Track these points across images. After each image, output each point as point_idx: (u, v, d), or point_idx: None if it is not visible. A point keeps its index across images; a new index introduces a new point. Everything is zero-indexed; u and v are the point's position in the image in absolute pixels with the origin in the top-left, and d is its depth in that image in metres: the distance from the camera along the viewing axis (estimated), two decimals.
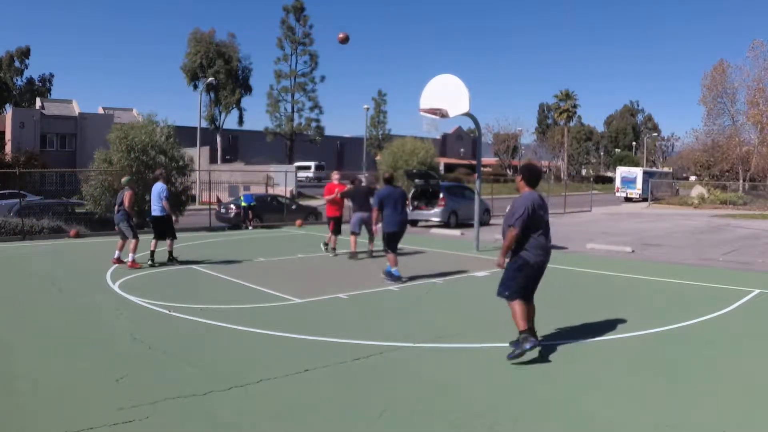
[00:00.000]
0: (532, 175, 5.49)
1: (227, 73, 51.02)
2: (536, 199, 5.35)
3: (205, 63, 50.64)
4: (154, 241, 10.66)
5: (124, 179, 11.11)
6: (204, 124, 45.86)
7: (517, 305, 5.26)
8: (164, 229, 10.72)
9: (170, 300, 7.60)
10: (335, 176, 13.01)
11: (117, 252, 10.71)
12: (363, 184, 12.36)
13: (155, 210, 10.66)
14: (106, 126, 27.16)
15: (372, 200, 9.41)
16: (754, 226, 21.70)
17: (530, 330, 5.26)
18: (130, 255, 10.27)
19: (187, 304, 7.34)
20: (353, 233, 11.83)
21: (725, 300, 8.05)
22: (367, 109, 51.60)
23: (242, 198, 19.81)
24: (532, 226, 5.27)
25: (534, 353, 5.28)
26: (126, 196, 10.49)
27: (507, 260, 5.38)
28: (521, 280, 5.31)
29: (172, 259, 10.76)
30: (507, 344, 5.36)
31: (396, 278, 9.12)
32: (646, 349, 5.71)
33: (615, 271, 10.66)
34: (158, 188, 10.63)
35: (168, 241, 10.77)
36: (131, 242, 10.43)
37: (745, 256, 12.95)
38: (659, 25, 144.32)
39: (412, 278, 9.30)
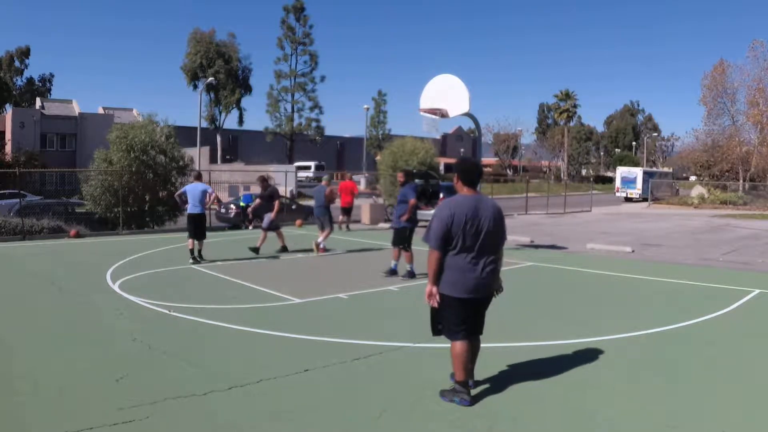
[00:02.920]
0: (466, 172, 4.23)
1: (227, 73, 51.04)
2: (468, 204, 4.11)
3: (205, 63, 50.67)
4: (191, 240, 10.94)
5: (326, 176, 13.26)
6: (204, 124, 45.89)
7: (458, 346, 4.18)
8: (199, 227, 11.00)
9: (170, 300, 7.60)
10: (348, 175, 14.72)
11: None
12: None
13: (193, 208, 11.02)
14: (106, 126, 27.14)
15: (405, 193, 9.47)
16: (754, 226, 21.70)
17: (466, 384, 4.24)
18: (321, 239, 12.11)
19: (187, 304, 7.34)
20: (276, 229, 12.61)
21: (725, 300, 8.05)
22: (367, 109, 51.62)
23: (242, 198, 19.81)
24: (460, 245, 4.07)
25: (534, 353, 5.28)
26: (329, 191, 12.27)
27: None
28: (453, 317, 4.16)
29: (200, 259, 10.94)
30: (505, 344, 5.36)
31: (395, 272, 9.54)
32: (646, 349, 5.71)
33: (615, 271, 10.66)
34: (201, 187, 11.17)
35: (197, 242, 11.02)
36: (327, 231, 12.27)
37: (745, 256, 12.95)
38: (659, 25, 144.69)
39: (412, 278, 9.31)
